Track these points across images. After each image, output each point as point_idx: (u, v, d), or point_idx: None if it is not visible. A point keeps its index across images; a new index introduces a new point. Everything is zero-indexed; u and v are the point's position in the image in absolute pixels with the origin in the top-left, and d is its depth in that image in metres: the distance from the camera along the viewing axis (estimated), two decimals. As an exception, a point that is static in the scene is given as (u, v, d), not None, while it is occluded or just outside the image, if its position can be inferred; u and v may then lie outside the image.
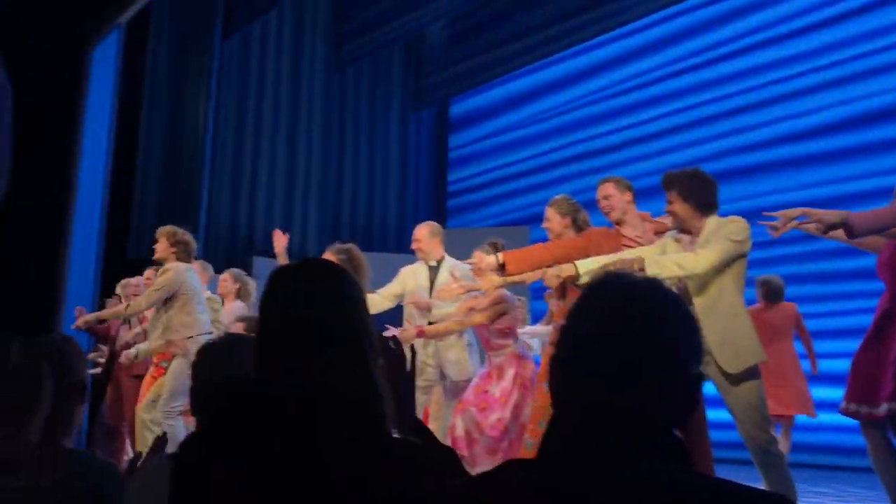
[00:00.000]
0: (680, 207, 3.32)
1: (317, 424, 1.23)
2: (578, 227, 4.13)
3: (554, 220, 4.19)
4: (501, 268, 3.79)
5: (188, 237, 5.36)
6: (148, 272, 5.70)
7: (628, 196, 3.83)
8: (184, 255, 5.15)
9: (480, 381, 4.30)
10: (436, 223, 5.03)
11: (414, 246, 4.84)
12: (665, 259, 3.25)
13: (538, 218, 7.83)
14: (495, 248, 4.15)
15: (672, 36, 7.83)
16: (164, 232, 5.42)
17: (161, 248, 5.38)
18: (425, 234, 4.81)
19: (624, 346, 0.98)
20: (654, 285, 1.04)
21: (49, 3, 8.18)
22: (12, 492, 1.70)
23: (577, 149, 8.56)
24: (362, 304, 1.41)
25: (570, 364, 1.02)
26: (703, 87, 7.49)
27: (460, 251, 4.62)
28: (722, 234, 3.22)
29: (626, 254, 3.40)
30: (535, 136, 9.04)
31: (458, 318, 4.39)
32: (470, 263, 4.24)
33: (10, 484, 1.71)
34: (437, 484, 1.16)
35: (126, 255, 7.69)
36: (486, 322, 4.28)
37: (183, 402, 4.72)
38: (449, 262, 4.80)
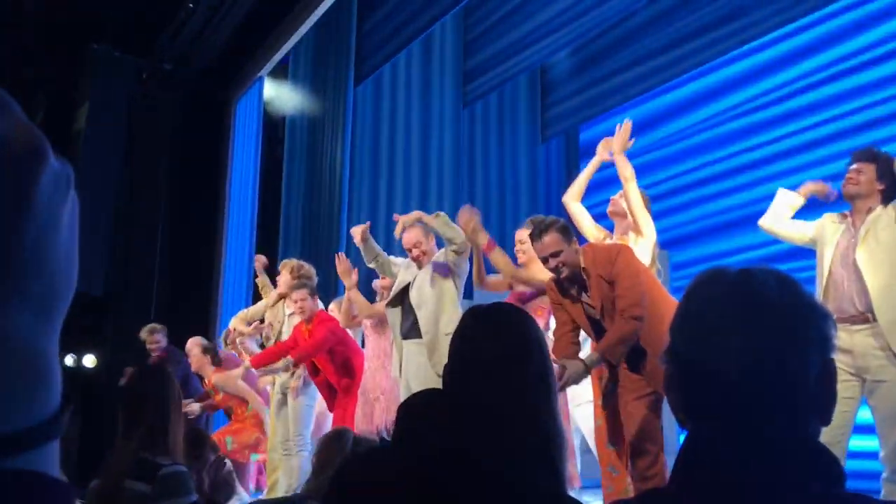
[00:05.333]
0: (866, 181, 3.65)
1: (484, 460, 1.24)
2: None
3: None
4: None
5: (310, 270, 5.73)
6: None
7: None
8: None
9: None
10: None
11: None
12: None
13: (676, 242, 7.77)
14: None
15: (803, 49, 7.56)
16: (287, 265, 5.82)
17: (283, 280, 5.77)
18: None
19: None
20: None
21: (195, 58, 8.82)
22: None
23: (712, 169, 8.36)
24: (540, 342, 1.48)
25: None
26: (840, 99, 7.18)
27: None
28: None
29: None
30: (667, 158, 8.88)
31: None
32: None
33: None
34: None
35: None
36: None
37: None
38: None
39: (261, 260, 6.57)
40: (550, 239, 3.53)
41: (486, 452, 1.22)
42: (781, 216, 4.03)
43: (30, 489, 0.37)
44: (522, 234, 4.36)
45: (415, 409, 1.38)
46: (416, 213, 4.73)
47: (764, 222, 4.09)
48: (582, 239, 4.25)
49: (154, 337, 6.62)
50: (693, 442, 1.03)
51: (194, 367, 5.90)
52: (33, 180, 0.40)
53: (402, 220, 4.75)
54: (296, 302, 5.38)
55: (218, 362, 5.95)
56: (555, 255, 3.53)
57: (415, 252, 4.73)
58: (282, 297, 5.90)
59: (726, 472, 0.97)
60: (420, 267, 4.73)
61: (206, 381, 5.80)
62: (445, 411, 1.31)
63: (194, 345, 6.05)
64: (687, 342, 1.06)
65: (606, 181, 4.45)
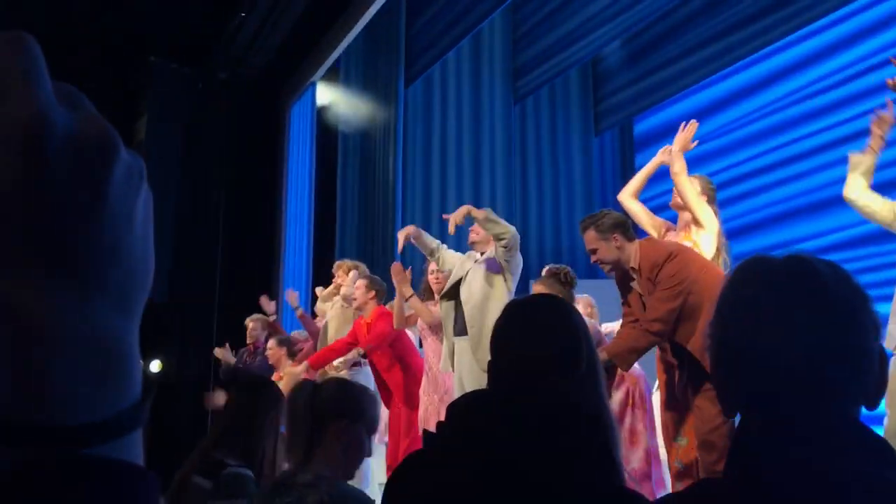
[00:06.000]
0: None
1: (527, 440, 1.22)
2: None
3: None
4: None
5: (364, 268, 5.78)
6: None
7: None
8: None
9: None
10: None
11: None
12: None
13: (738, 232, 7.62)
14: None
15: (862, 31, 7.34)
16: (341, 266, 5.88)
17: (339, 280, 5.83)
18: None
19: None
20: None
21: (248, 66, 8.95)
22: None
23: (771, 157, 8.18)
24: (586, 333, 1.48)
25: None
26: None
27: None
28: None
29: None
30: (724, 147, 8.72)
31: None
32: None
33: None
34: None
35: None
36: None
37: None
38: None
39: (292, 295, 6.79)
40: (587, 237, 3.65)
41: (550, 455, 1.20)
42: (859, 186, 3.47)
43: (116, 477, 0.38)
44: (537, 288, 4.34)
45: (465, 410, 1.35)
46: (464, 208, 4.70)
47: (848, 194, 3.51)
48: (642, 233, 4.21)
49: (255, 325, 6.79)
50: (750, 432, 1.00)
51: (271, 360, 6.00)
52: (107, 173, 0.40)
53: (452, 217, 4.74)
54: (355, 289, 5.47)
55: (293, 354, 6.01)
56: (592, 251, 3.64)
57: (472, 235, 4.76)
58: (336, 289, 6.02)
59: (790, 460, 0.94)
60: (476, 251, 4.77)
61: (276, 376, 5.88)
62: (500, 413, 1.28)
63: (272, 343, 6.15)
64: (743, 330, 1.03)
65: (665, 173, 4.39)
